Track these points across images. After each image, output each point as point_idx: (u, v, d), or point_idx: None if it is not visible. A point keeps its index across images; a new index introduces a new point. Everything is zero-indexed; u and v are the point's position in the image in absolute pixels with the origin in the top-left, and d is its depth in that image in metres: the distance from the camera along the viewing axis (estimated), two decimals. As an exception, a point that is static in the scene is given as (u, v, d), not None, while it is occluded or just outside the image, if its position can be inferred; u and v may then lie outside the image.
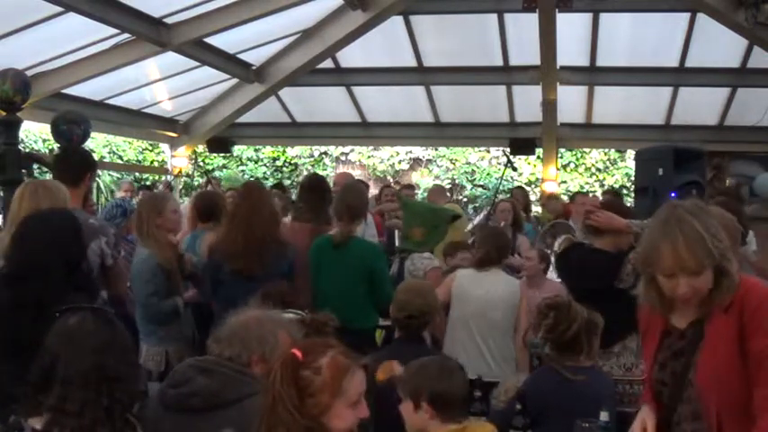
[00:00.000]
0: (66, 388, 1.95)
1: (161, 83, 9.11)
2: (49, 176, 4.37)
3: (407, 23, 8.72)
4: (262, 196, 4.04)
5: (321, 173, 12.42)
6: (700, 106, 9.80)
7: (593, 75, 9.38)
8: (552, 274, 5.52)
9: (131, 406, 2.03)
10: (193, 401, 2.27)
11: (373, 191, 9.89)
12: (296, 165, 15.09)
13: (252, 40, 8.30)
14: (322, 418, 1.83)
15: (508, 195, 10.19)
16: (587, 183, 14.08)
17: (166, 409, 2.25)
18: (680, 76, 9.14)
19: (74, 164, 3.74)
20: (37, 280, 2.70)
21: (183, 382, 2.30)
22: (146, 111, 9.74)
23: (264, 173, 15.08)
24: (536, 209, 11.05)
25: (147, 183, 11.49)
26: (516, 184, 13.64)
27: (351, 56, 9.35)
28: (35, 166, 5.18)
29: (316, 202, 4.45)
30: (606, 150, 14.03)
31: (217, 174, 14.45)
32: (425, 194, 10.21)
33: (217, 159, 14.90)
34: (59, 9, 6.16)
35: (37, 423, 1.96)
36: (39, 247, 2.78)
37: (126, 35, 7.15)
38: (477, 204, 14.09)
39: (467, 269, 4.50)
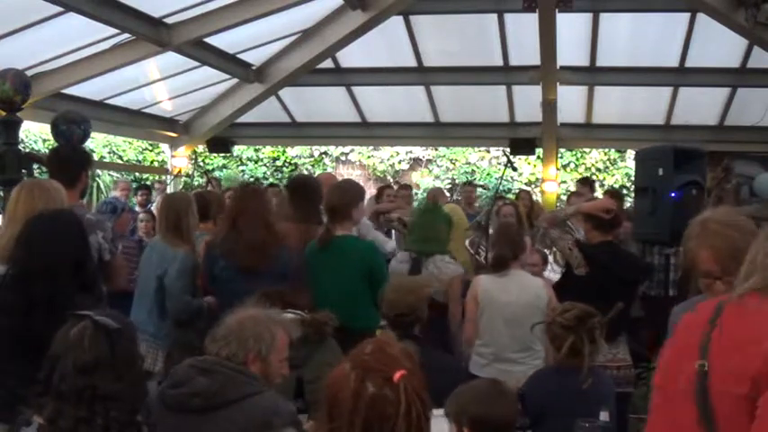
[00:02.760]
0: (59, 403, 1.91)
1: (161, 83, 9.10)
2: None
3: (407, 23, 8.71)
4: (263, 197, 4.10)
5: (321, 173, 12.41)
6: (700, 106, 9.79)
7: (593, 75, 9.37)
8: (551, 273, 5.54)
9: (130, 422, 1.98)
10: (194, 402, 2.27)
11: (373, 191, 9.89)
12: (296, 165, 15.09)
13: (252, 40, 8.29)
14: None
15: (509, 196, 10.21)
16: (587, 183, 14.05)
17: (167, 410, 2.25)
18: (680, 76, 9.13)
19: (68, 162, 3.74)
20: (46, 280, 2.71)
21: (184, 383, 2.30)
22: (146, 111, 9.73)
23: (264, 173, 15.07)
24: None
25: (147, 182, 11.46)
26: (516, 184, 13.66)
27: (351, 56, 9.35)
28: (35, 166, 5.18)
29: (302, 202, 4.44)
30: (606, 150, 14.02)
31: (217, 174, 14.44)
32: (425, 195, 10.23)
33: (217, 159, 14.89)
34: (59, 9, 6.15)
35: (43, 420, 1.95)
36: (47, 248, 2.78)
37: (126, 35, 7.14)
38: (476, 204, 14.06)
39: (484, 275, 4.36)
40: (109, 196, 10.38)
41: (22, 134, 6.91)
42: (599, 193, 12.94)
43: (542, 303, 4.11)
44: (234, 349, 2.41)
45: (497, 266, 4.26)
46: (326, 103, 10.61)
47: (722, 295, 2.06)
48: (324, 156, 15.14)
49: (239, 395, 2.29)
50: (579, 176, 14.08)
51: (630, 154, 12.70)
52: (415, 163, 15.00)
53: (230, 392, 2.29)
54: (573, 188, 13.21)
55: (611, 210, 4.10)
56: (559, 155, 12.20)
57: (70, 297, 2.70)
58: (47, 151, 10.46)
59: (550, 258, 5.52)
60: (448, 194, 12.59)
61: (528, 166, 14.13)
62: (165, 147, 11.58)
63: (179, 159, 10.93)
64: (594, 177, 14.17)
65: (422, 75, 9.67)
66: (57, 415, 1.91)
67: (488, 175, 14.53)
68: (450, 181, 14.69)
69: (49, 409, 1.92)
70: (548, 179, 10.94)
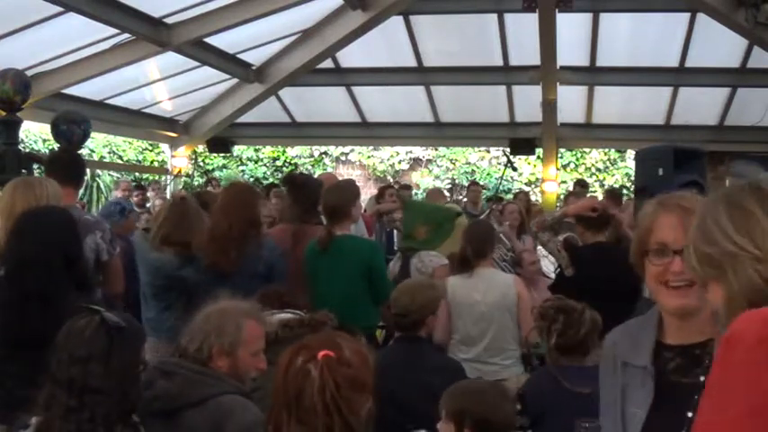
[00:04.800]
0: (54, 388, 1.94)
1: (161, 83, 9.10)
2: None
3: (407, 23, 8.72)
4: (237, 194, 4.01)
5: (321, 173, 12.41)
6: (700, 106, 9.79)
7: (593, 75, 9.37)
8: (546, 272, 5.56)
9: (119, 420, 1.98)
10: (155, 405, 2.22)
11: (374, 191, 9.89)
12: (296, 165, 15.09)
13: (252, 40, 8.29)
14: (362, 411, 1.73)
15: (508, 196, 10.23)
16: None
17: (141, 413, 2.18)
18: (680, 76, 9.13)
19: (70, 164, 3.75)
20: (38, 272, 2.71)
21: (148, 385, 2.24)
22: (146, 111, 9.74)
23: (264, 173, 15.07)
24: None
25: (145, 183, 11.44)
26: (516, 184, 13.66)
27: (351, 56, 9.35)
28: (35, 166, 5.17)
29: (294, 201, 4.43)
30: (606, 150, 14.02)
31: (217, 174, 14.44)
32: (425, 195, 10.22)
33: (217, 159, 14.89)
34: (59, 9, 6.16)
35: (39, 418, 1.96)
36: (36, 239, 2.78)
37: (126, 35, 7.14)
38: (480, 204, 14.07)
39: (455, 276, 4.32)
40: (111, 196, 10.38)
41: (22, 134, 6.90)
42: (598, 194, 12.96)
43: (510, 302, 4.12)
44: (198, 344, 2.35)
45: (461, 266, 4.26)
46: (326, 103, 10.61)
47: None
48: (324, 156, 15.14)
49: (198, 397, 2.24)
50: (579, 177, 14.14)
51: (630, 154, 12.70)
52: (415, 163, 15.00)
53: (189, 395, 2.24)
54: (572, 188, 13.27)
55: (596, 208, 4.12)
56: (559, 155, 12.20)
57: (64, 291, 2.69)
58: (47, 151, 10.47)
59: (548, 258, 5.54)
60: (448, 194, 12.59)
61: (528, 166, 14.13)
62: (165, 147, 11.58)
63: (179, 159, 10.93)
64: (594, 177, 14.19)
65: (422, 75, 9.68)
66: (51, 400, 1.93)
67: (488, 175, 14.52)
68: (450, 181, 14.69)
69: (45, 394, 1.94)
70: (548, 179, 10.95)
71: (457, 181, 14.65)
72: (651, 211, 1.71)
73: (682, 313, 1.62)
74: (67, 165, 3.77)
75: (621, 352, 1.81)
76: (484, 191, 13.90)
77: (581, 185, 9.98)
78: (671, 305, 1.64)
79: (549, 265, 5.62)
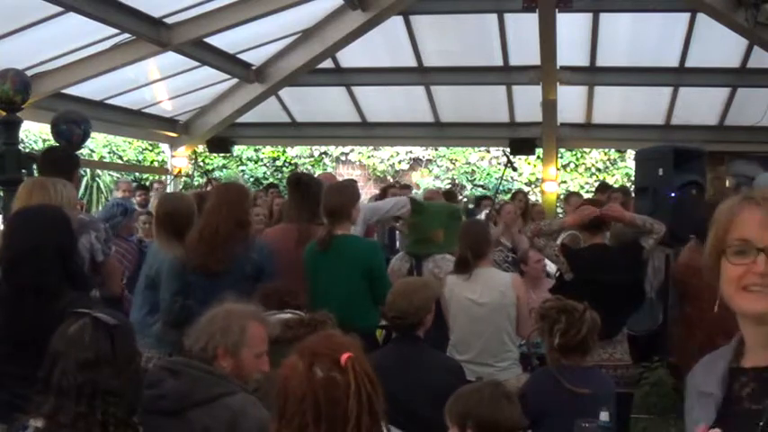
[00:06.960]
0: (60, 398, 1.93)
1: (161, 83, 9.10)
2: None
3: (407, 23, 8.71)
4: (226, 194, 4.01)
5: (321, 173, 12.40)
6: (700, 106, 9.79)
7: (593, 75, 9.37)
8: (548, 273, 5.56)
9: (128, 418, 1.99)
10: (162, 403, 2.24)
11: (374, 191, 9.90)
12: (296, 165, 15.08)
13: (252, 40, 8.29)
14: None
15: (508, 197, 10.23)
16: (587, 183, 14.06)
17: (144, 412, 2.19)
18: (680, 76, 9.14)
19: (62, 162, 3.75)
20: (31, 264, 2.71)
21: (155, 384, 2.27)
22: (146, 111, 9.74)
23: (264, 173, 15.07)
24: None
25: (146, 183, 11.43)
26: (516, 184, 13.65)
27: (351, 56, 9.35)
28: (35, 166, 5.17)
29: (300, 201, 4.42)
30: (606, 150, 14.02)
31: (217, 174, 14.44)
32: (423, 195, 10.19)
33: (217, 159, 14.89)
34: (59, 9, 6.15)
35: (40, 422, 1.95)
36: (30, 235, 2.79)
37: (126, 35, 7.14)
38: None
39: (453, 276, 4.29)
40: (111, 197, 10.38)
41: (22, 134, 6.90)
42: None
43: (508, 302, 4.11)
44: (203, 344, 2.38)
45: (460, 268, 4.24)
46: (326, 103, 10.61)
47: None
48: (324, 156, 15.13)
49: (208, 396, 2.26)
50: (579, 176, 14.16)
51: (630, 154, 12.69)
52: (415, 163, 14.99)
53: (198, 394, 2.26)
54: (573, 188, 13.27)
55: (593, 215, 4.14)
56: (559, 155, 12.20)
57: (59, 285, 2.69)
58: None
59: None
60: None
61: (528, 166, 14.13)
62: (165, 147, 11.58)
63: (179, 159, 10.93)
64: (594, 177, 14.18)
65: (422, 75, 9.67)
66: (56, 411, 1.92)
67: (488, 175, 14.52)
68: (450, 181, 14.69)
69: (49, 404, 1.93)
70: (548, 179, 10.95)
71: (457, 181, 14.64)
72: (732, 205, 1.46)
73: (762, 321, 1.40)
74: (57, 162, 3.76)
75: (697, 382, 1.59)
76: (484, 191, 13.94)
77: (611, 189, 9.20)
78: (750, 309, 1.41)
79: (551, 266, 5.62)
